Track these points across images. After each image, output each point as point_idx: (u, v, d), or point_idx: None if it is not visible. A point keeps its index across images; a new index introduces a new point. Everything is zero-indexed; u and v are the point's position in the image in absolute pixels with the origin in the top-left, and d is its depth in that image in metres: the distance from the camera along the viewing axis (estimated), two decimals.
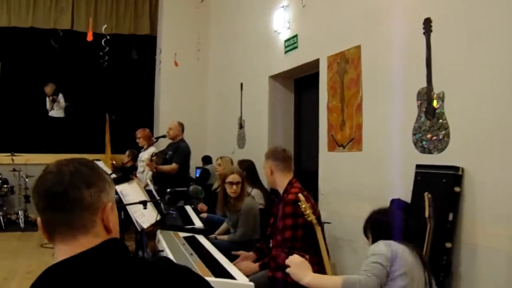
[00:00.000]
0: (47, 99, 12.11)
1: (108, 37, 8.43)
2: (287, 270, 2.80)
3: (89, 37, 7.08)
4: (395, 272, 2.60)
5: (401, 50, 4.48)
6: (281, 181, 4.05)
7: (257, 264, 4.16)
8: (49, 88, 12.02)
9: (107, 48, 8.42)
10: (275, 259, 3.86)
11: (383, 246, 2.66)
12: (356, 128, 5.12)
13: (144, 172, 8.08)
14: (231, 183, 5.18)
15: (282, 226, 3.83)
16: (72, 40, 11.33)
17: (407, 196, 4.14)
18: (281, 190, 4.05)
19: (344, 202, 5.27)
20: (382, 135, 4.72)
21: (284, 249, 3.73)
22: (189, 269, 1.59)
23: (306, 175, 6.49)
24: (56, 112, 12.12)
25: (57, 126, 12.31)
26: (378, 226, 2.89)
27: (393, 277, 2.61)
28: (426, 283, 2.71)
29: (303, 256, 2.92)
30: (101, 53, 8.81)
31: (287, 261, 2.86)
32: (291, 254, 3.36)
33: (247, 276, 3.84)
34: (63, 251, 1.50)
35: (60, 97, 12.12)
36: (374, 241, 2.88)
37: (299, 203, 3.47)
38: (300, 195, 3.51)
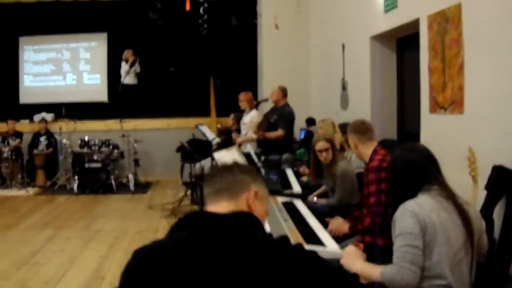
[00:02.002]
0: (124, 65, 12.43)
1: (206, 5, 8.51)
2: (341, 261, 2.81)
3: (187, 6, 7.18)
4: (430, 242, 2.51)
5: (505, 7, 4.26)
6: (366, 152, 4.10)
7: (347, 225, 4.19)
8: (129, 54, 12.36)
9: (206, 15, 8.51)
10: (361, 221, 3.96)
11: (408, 219, 2.54)
12: (457, 89, 4.95)
13: (247, 135, 8.18)
14: (320, 151, 5.19)
15: (367, 193, 3.90)
16: (171, 10, 11.56)
17: (510, 163, 3.99)
18: (367, 160, 4.09)
19: (446, 165, 5.13)
20: (485, 98, 4.53)
21: (370, 214, 3.81)
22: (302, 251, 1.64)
23: (410, 136, 6.37)
24: (132, 79, 12.42)
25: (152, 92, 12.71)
26: (406, 167, 2.81)
27: (430, 247, 2.51)
28: (465, 235, 2.57)
29: (357, 245, 2.94)
30: (200, 21, 8.92)
31: (343, 252, 2.90)
32: (379, 218, 3.41)
33: (337, 235, 3.91)
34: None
35: (137, 65, 12.44)
36: (396, 187, 2.83)
37: (469, 161, 3.42)
38: (472, 153, 3.46)
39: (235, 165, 1.99)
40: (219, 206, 1.82)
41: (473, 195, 3.29)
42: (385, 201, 3.73)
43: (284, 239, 1.65)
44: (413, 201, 2.64)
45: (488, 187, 4.14)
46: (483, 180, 4.13)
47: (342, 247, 3.22)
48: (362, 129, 4.16)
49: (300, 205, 4.52)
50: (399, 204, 2.67)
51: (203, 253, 1.49)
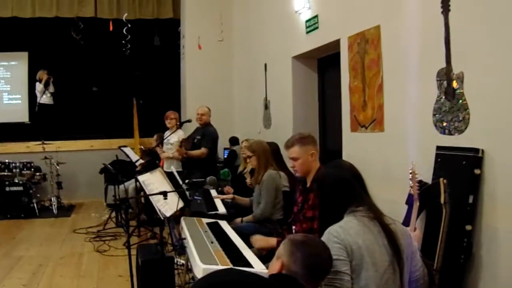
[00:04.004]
0: (38, 85, 12.16)
1: (130, 25, 8.48)
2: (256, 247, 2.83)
3: (111, 27, 7.15)
4: (357, 266, 2.53)
5: (420, 29, 4.41)
6: (314, 168, 4.01)
7: (275, 239, 4.05)
8: (43, 74, 12.10)
9: (129, 36, 8.49)
10: None
11: (334, 245, 2.53)
12: (377, 108, 5.09)
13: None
14: (248, 156, 5.43)
15: (311, 216, 3.81)
16: (94, 30, 11.46)
17: (428, 178, 4.11)
18: (310, 177, 4.01)
19: (368, 183, 5.25)
20: (403, 116, 4.68)
21: None
22: None
23: (331, 155, 6.49)
24: (48, 98, 12.18)
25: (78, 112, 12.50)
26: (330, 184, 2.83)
27: (357, 272, 2.53)
28: (391, 255, 2.58)
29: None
30: (123, 42, 8.88)
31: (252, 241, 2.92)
32: None
33: (264, 249, 3.88)
34: None
35: (51, 84, 12.22)
36: (323, 206, 2.85)
37: (410, 175, 3.36)
38: (413, 167, 3.38)
39: None
40: None
41: (414, 212, 3.33)
42: None
43: None
44: (338, 225, 2.64)
45: (408, 202, 4.25)
46: (404, 195, 4.26)
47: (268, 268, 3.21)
48: (316, 143, 4.10)
49: (225, 226, 4.52)
50: (326, 223, 2.70)
51: None
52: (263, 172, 5.29)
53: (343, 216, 2.72)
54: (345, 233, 2.57)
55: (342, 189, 2.78)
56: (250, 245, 3.98)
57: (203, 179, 6.79)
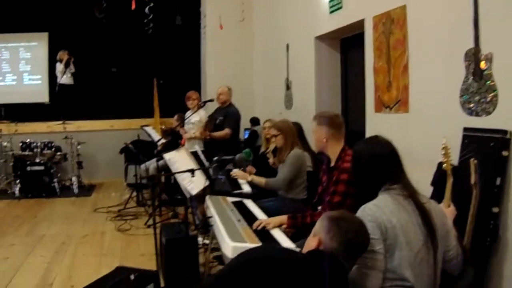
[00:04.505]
0: (59, 65, 12.23)
1: (152, 4, 8.45)
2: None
3: (133, 5, 7.13)
4: (391, 245, 2.53)
5: (447, 9, 4.37)
6: (334, 148, 3.98)
7: (285, 216, 4.02)
8: (64, 54, 12.16)
9: (151, 15, 8.46)
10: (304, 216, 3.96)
11: (368, 224, 2.53)
12: (402, 89, 5.06)
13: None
14: (272, 136, 5.45)
15: (332, 191, 3.81)
16: (116, 9, 11.43)
17: (454, 159, 4.08)
18: (333, 157, 3.99)
19: None
20: (429, 97, 4.65)
21: (327, 210, 3.67)
22: None
23: (354, 136, 6.45)
24: (68, 79, 12.25)
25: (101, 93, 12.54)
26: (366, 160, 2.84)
27: (391, 251, 2.53)
28: (425, 234, 2.59)
29: None
30: (145, 21, 8.86)
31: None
32: None
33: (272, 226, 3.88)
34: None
35: (72, 65, 12.28)
36: (359, 182, 2.86)
37: (443, 150, 3.31)
38: (446, 145, 3.34)
39: None
40: None
41: (447, 188, 3.29)
42: (350, 204, 3.63)
43: None
44: (372, 204, 2.64)
45: (433, 183, 4.24)
46: (429, 176, 4.25)
47: (298, 246, 3.21)
48: (337, 123, 4.01)
49: (251, 204, 4.53)
50: (361, 200, 2.69)
51: None
52: (288, 151, 5.28)
53: (377, 193, 2.72)
54: (379, 212, 2.57)
55: (378, 165, 2.77)
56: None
57: (232, 157, 6.79)
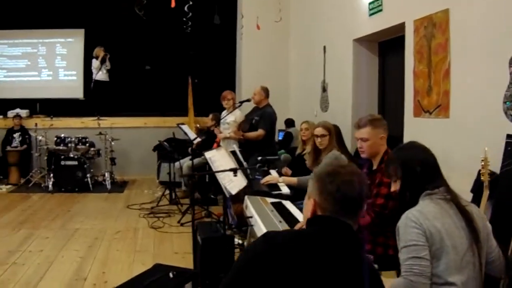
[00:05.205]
0: (95, 61, 12.38)
1: (191, 3, 8.46)
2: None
3: (173, 3, 7.15)
4: (437, 250, 2.49)
5: (492, 14, 4.32)
6: (381, 151, 3.98)
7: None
8: (100, 51, 12.31)
9: (190, 13, 8.48)
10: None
11: (412, 230, 2.50)
12: (443, 94, 5.01)
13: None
14: (317, 136, 5.36)
15: (375, 193, 3.80)
16: (156, 7, 11.48)
17: (495, 167, 4.03)
18: (377, 159, 3.98)
19: None
20: (471, 102, 4.59)
21: (371, 212, 3.71)
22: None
23: (390, 140, 6.40)
24: (103, 75, 12.39)
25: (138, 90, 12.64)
26: (415, 166, 2.76)
27: (437, 256, 2.49)
28: (469, 237, 2.55)
29: None
30: (184, 19, 8.89)
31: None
32: (378, 220, 3.40)
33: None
34: None
35: (108, 61, 12.40)
36: (404, 190, 2.78)
37: (482, 162, 3.32)
38: (486, 156, 3.35)
39: None
40: None
41: (483, 199, 3.27)
42: (391, 207, 3.65)
43: None
44: (415, 210, 2.61)
45: (474, 190, 4.19)
46: (469, 184, 4.20)
47: None
48: (387, 126, 4.04)
49: (290, 205, 4.53)
50: (405, 205, 2.68)
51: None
52: (327, 152, 5.28)
53: (418, 199, 2.70)
54: (423, 218, 2.54)
55: (423, 171, 2.74)
56: None
57: (276, 157, 6.78)
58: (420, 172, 2.74)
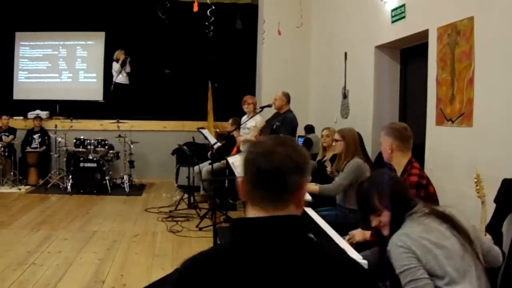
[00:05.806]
0: (115, 64, 12.43)
1: (213, 7, 8.48)
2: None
3: (195, 8, 7.18)
4: (434, 267, 2.51)
5: None
6: (400, 160, 3.96)
7: (369, 232, 3.95)
8: (120, 54, 12.37)
9: (213, 18, 8.50)
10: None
11: (402, 256, 2.53)
12: (466, 102, 4.96)
13: None
14: (336, 140, 5.45)
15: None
16: (178, 10, 11.52)
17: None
18: (398, 169, 3.95)
19: (451, 178, 5.13)
20: (495, 111, 4.54)
21: None
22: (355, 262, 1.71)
23: (412, 148, 6.36)
24: (124, 78, 12.43)
25: (158, 94, 12.74)
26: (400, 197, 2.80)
27: (435, 272, 2.51)
28: (460, 238, 2.59)
29: None
30: (206, 23, 8.91)
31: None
32: None
33: (357, 241, 3.85)
34: (256, 212, 1.65)
35: (128, 64, 12.46)
36: (396, 219, 2.76)
37: (475, 181, 3.35)
38: (478, 173, 3.38)
39: None
40: None
41: (482, 216, 3.28)
42: None
43: None
44: (399, 234, 2.64)
45: (497, 200, 4.15)
46: (492, 193, 4.15)
47: (365, 258, 3.18)
48: (404, 136, 3.99)
49: (312, 213, 4.50)
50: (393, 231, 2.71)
51: None
52: (348, 159, 5.26)
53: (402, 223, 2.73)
54: (409, 239, 2.58)
55: (402, 197, 2.81)
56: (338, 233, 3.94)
57: None
58: (395, 200, 2.78)
